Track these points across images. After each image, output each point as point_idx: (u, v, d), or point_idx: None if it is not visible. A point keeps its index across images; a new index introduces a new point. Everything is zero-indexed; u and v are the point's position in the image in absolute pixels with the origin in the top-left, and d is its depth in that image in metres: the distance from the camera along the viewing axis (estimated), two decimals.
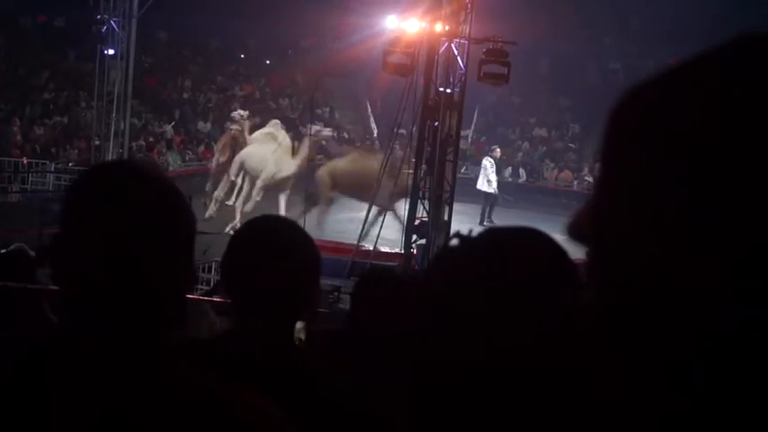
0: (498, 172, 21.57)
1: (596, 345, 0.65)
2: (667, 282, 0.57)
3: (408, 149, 14.86)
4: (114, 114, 19.64)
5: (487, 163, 20.37)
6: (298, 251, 2.11)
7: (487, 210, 19.95)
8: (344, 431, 2.01)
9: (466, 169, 22.20)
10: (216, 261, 12.15)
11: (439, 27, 13.78)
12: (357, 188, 16.08)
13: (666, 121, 0.59)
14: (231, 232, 4.07)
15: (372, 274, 3.77)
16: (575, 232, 0.66)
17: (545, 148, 28.83)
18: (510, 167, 24.48)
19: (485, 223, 18.99)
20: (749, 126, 0.55)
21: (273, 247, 2.08)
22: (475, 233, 1.09)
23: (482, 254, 1.04)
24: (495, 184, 20.12)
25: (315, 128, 17.68)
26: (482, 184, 20.12)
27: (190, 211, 1.40)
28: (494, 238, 1.09)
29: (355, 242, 14.29)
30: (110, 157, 18.31)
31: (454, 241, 1.07)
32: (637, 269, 0.59)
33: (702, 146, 0.56)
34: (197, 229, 1.41)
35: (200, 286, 8.91)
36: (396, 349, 1.93)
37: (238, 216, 15.71)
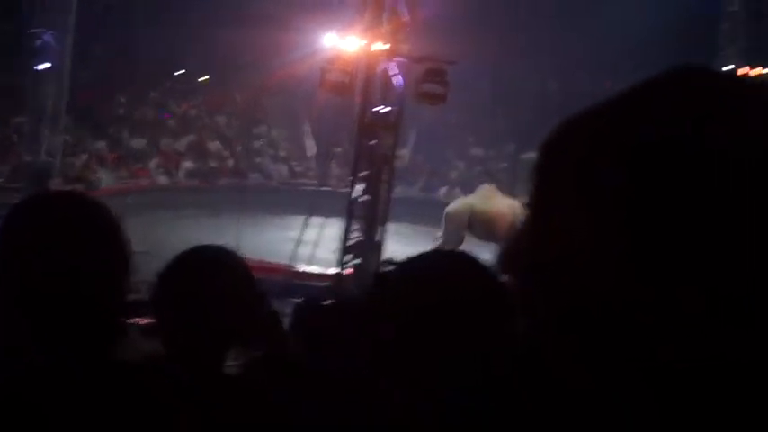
0: (432, 190, 21.72)
1: (534, 369, 0.65)
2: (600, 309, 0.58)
3: (345, 168, 14.85)
4: (47, 131, 19.33)
5: None
6: (229, 277, 2.10)
7: None
8: None
9: (402, 189, 22.22)
10: (144, 281, 11.96)
11: (378, 46, 13.79)
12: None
13: (590, 157, 0.61)
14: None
15: (310, 302, 3.77)
16: (506, 266, 0.67)
17: (480, 167, 29.06)
18: (446, 186, 24.58)
19: None
20: (658, 165, 0.57)
21: (205, 273, 2.08)
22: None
23: (417, 280, 1.07)
24: None
25: None
26: None
27: (122, 234, 1.51)
28: (426, 263, 1.12)
29: (287, 262, 14.23)
30: (42, 174, 17.98)
31: (388, 268, 1.12)
32: (575, 298, 0.60)
33: (619, 183, 0.58)
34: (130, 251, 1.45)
35: None
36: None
37: None
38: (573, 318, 0.59)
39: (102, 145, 24.36)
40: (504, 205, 14.43)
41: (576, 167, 0.61)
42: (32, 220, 1.34)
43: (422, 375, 0.99)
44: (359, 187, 13.80)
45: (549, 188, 0.64)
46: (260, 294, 2.22)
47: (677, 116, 0.60)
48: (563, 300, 0.60)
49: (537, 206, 0.65)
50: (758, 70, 25.89)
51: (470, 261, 1.09)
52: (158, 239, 15.24)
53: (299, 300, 4.58)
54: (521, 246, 0.65)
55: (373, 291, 1.11)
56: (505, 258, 0.67)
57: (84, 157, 22.56)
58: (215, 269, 2.09)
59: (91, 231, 1.36)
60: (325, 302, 3.38)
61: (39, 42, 18.76)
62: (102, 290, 1.35)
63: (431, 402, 1.04)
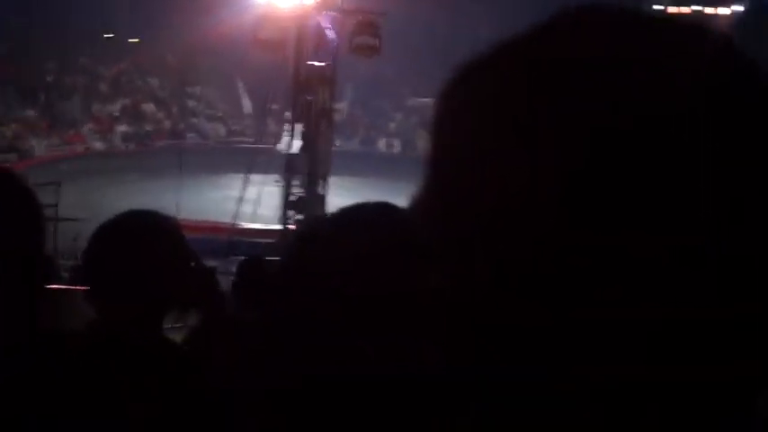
0: (371, 142, 21.90)
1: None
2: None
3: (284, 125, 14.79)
4: None
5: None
6: (159, 239, 2.08)
7: None
8: (206, 416, 2.00)
9: (341, 143, 22.21)
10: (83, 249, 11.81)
11: (309, 0, 13.66)
12: None
13: (486, 101, 0.61)
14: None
15: (251, 258, 3.78)
16: (415, 212, 0.66)
17: (418, 118, 29.11)
18: (384, 138, 24.62)
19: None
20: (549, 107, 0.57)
21: (133, 235, 2.05)
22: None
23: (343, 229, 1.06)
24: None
25: None
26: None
27: (32, 199, 1.41)
28: (351, 214, 1.11)
29: (230, 221, 14.15)
30: None
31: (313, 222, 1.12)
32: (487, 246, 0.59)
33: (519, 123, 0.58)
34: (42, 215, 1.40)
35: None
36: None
37: None
38: (507, 267, 0.59)
39: (31, 113, 23.89)
40: None
41: (495, 110, 0.61)
42: None
43: (356, 322, 1.00)
44: (297, 142, 13.74)
45: (463, 135, 0.63)
46: (193, 255, 2.20)
47: (597, 53, 0.59)
48: (496, 249, 0.59)
49: (451, 154, 0.64)
50: (686, 9, 26.28)
51: (394, 210, 1.10)
52: (96, 206, 15.04)
53: (243, 257, 4.59)
54: (437, 197, 0.64)
55: (302, 243, 1.11)
56: (422, 210, 0.66)
57: (15, 126, 22.11)
58: (145, 234, 2.03)
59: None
60: (265, 258, 3.40)
61: None
62: (16, 256, 1.29)
63: (374, 347, 1.05)
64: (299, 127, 13.72)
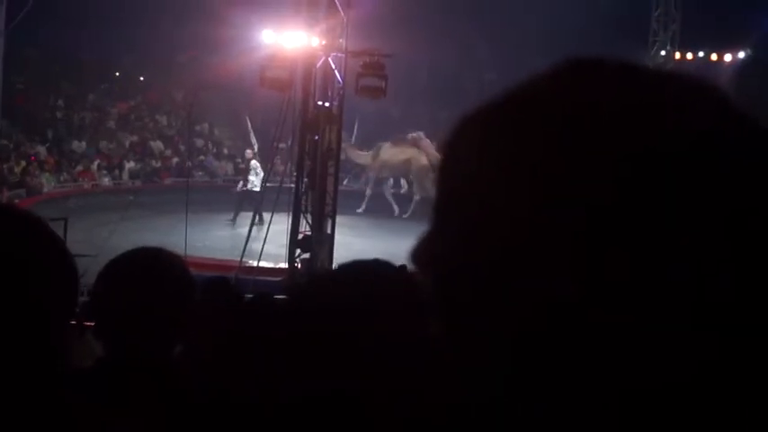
0: (378, 182, 22.23)
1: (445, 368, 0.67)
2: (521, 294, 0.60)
3: (289, 164, 14.85)
4: None
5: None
6: (169, 277, 2.12)
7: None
8: None
9: (348, 182, 22.30)
10: (89, 285, 11.83)
11: (316, 41, 13.80)
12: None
13: (493, 151, 0.64)
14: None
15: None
16: (417, 259, 0.68)
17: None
18: (391, 179, 24.64)
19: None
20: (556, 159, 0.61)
21: (139, 272, 2.09)
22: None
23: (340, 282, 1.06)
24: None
25: None
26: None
27: (54, 240, 1.37)
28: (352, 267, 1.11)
29: (237, 258, 14.15)
30: None
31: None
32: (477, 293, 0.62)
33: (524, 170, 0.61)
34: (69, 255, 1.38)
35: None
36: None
37: None
38: (516, 323, 0.60)
39: (41, 149, 24.03)
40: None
41: (503, 160, 0.63)
42: None
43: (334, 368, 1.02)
44: (304, 182, 13.82)
45: (457, 184, 0.65)
46: (199, 291, 2.25)
47: (569, 112, 0.62)
48: (503, 301, 0.61)
49: (445, 206, 0.66)
50: (689, 56, 26.39)
51: (393, 268, 1.13)
52: (103, 242, 15.08)
53: (250, 296, 4.62)
54: (436, 245, 0.66)
55: (299, 290, 1.14)
56: (421, 258, 0.68)
57: (24, 162, 22.23)
58: (151, 270, 2.10)
59: (36, 248, 1.30)
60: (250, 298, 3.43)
61: None
62: (52, 306, 1.29)
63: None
64: (306, 166, 13.78)
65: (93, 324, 2.20)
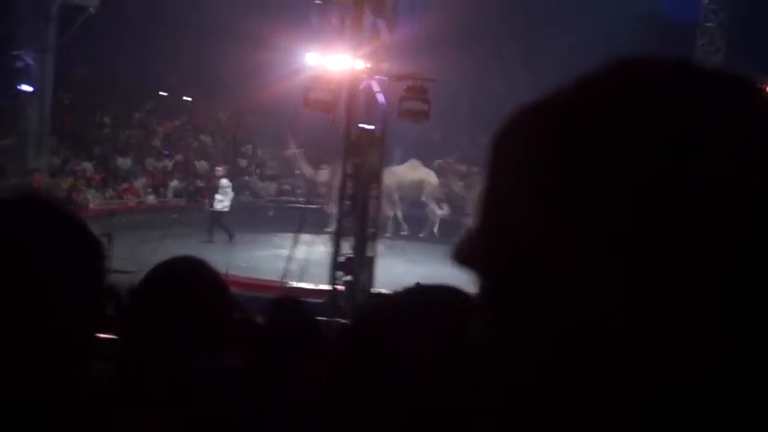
0: (419, 206, 22.25)
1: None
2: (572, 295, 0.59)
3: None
4: (32, 152, 19.35)
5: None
6: (196, 286, 2.12)
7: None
8: None
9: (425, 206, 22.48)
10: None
11: (360, 64, 13.89)
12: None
13: (545, 146, 0.63)
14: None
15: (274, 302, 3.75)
16: (463, 259, 0.67)
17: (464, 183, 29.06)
18: (446, 204, 24.64)
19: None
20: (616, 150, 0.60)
21: (171, 284, 2.10)
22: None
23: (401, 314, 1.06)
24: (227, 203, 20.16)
25: None
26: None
27: (95, 247, 1.38)
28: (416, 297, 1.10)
29: (279, 279, 14.21)
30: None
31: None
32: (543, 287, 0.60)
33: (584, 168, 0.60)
34: (106, 266, 1.39)
35: None
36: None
37: None
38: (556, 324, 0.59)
39: (88, 165, 24.34)
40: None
41: (525, 162, 0.62)
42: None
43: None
44: (347, 204, 13.87)
45: (502, 182, 0.65)
46: (231, 302, 2.23)
47: (624, 110, 0.61)
48: (542, 306, 0.60)
49: (492, 198, 0.65)
50: None
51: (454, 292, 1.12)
52: (146, 259, 15.18)
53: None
54: (479, 239, 0.65)
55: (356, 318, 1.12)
56: (463, 253, 0.67)
57: (71, 178, 22.54)
58: (181, 280, 2.11)
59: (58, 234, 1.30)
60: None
61: (20, 64, 18.79)
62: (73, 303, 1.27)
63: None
64: (348, 189, 13.81)
65: (123, 333, 2.19)
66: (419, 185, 22.81)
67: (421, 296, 1.09)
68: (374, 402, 1.01)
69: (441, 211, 23.54)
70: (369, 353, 1.04)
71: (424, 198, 22.86)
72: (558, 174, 0.60)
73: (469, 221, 19.25)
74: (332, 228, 15.56)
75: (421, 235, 22.82)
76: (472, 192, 23.66)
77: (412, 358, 1.02)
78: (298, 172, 25.03)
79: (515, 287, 0.61)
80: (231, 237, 18.82)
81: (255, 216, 21.96)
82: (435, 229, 22.85)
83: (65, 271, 1.28)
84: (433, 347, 1.00)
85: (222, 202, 19.77)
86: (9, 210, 1.34)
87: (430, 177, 22.89)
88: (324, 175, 22.33)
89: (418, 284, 1.19)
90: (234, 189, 20.48)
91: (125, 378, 2.02)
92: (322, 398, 1.08)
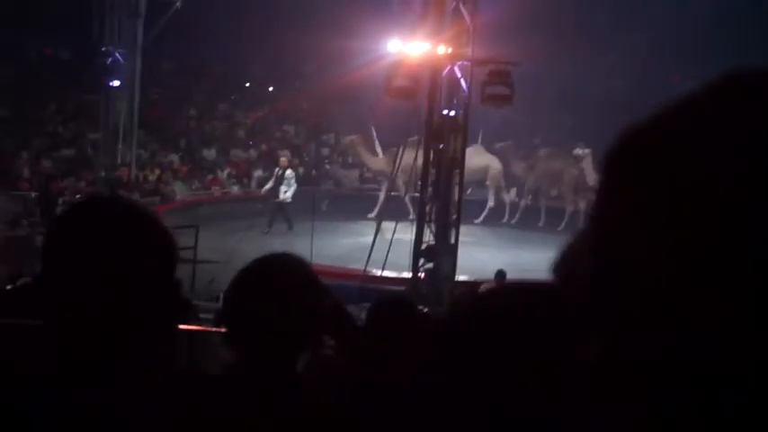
0: (500, 192, 22.20)
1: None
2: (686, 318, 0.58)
3: (413, 173, 14.89)
4: (120, 145, 19.80)
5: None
6: (297, 282, 2.13)
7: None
8: None
9: (471, 191, 22.25)
10: (221, 291, 12.13)
11: (442, 50, 13.81)
12: None
13: (666, 164, 0.62)
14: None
15: (386, 299, 3.78)
16: (568, 272, 0.67)
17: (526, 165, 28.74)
18: (515, 188, 24.43)
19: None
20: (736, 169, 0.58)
21: (273, 280, 2.11)
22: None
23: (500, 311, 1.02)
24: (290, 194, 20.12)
25: None
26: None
27: (165, 236, 1.40)
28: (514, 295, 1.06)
29: (361, 267, 14.24)
30: (114, 187, 18.42)
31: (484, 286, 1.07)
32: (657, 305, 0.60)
33: (705, 191, 0.59)
34: (177, 258, 1.42)
35: (207, 316, 8.89)
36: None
37: None
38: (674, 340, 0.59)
39: (174, 158, 24.80)
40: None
41: (638, 182, 0.62)
42: (77, 226, 1.35)
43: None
44: (429, 191, 13.83)
45: (614, 198, 0.64)
46: (326, 295, 2.26)
47: (744, 134, 0.59)
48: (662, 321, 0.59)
49: (602, 213, 0.65)
50: None
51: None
52: (231, 249, 15.45)
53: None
54: (584, 251, 0.65)
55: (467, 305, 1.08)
56: (566, 263, 0.67)
57: (158, 170, 22.99)
58: (282, 276, 2.12)
59: (136, 236, 1.34)
60: (401, 301, 3.41)
61: (109, 60, 19.25)
62: (151, 295, 1.32)
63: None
64: (430, 175, 13.78)
65: (224, 331, 2.23)
66: (483, 170, 22.69)
67: (522, 299, 1.03)
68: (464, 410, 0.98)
69: (509, 196, 23.40)
70: (462, 362, 1.00)
71: (488, 183, 22.73)
72: (667, 193, 0.60)
73: (548, 204, 19.29)
74: (411, 215, 15.62)
75: (504, 221, 22.72)
76: (534, 174, 23.56)
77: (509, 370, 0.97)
78: (350, 161, 25.14)
79: (624, 303, 0.61)
80: (290, 227, 18.93)
81: (336, 205, 22.10)
82: (509, 214, 22.80)
83: (144, 265, 1.33)
84: (533, 360, 0.96)
85: (286, 192, 19.89)
86: (89, 210, 1.40)
87: (494, 163, 22.72)
88: (380, 162, 22.41)
89: (501, 272, 1.15)
90: (297, 179, 20.59)
91: (230, 375, 2.05)
92: (415, 399, 1.05)
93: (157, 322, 1.37)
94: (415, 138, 17.31)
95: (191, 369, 2.29)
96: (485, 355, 0.97)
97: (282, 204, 19.64)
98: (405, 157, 21.05)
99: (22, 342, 4.69)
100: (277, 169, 20.67)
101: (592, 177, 21.76)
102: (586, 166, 22.31)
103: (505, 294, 1.05)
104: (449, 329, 1.05)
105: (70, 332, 1.30)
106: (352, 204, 21.86)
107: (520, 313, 0.99)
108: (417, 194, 14.46)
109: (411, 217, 15.06)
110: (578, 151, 22.96)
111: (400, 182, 17.31)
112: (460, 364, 0.99)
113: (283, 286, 2.10)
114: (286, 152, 22.82)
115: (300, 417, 1.96)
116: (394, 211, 15.86)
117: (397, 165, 14.81)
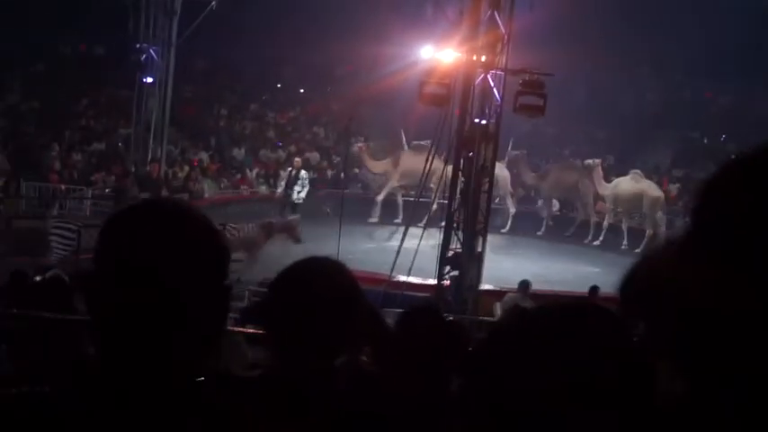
0: (529, 201, 22.15)
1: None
2: None
3: (443, 180, 14.85)
4: (151, 142, 19.91)
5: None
6: (336, 286, 2.14)
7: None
8: None
9: (499, 200, 22.20)
10: (249, 290, 12.16)
11: (475, 58, 13.78)
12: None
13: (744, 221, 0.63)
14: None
15: (418, 306, 3.78)
16: (636, 296, 0.66)
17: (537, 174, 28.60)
18: (541, 200, 24.35)
19: None
20: None
21: (313, 283, 2.12)
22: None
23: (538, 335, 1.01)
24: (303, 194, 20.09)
25: None
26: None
27: (219, 243, 1.41)
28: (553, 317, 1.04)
29: (387, 272, 14.21)
30: (144, 183, 18.54)
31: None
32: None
33: None
34: (228, 264, 1.42)
35: (233, 315, 8.90)
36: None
37: None
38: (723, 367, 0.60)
39: (204, 155, 24.90)
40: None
41: (729, 227, 0.62)
42: (129, 229, 1.36)
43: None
44: (457, 198, 13.81)
45: (707, 236, 0.64)
46: (364, 301, 2.26)
47: None
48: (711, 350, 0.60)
49: (691, 251, 0.65)
50: None
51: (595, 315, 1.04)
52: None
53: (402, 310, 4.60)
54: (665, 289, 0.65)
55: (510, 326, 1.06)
56: (637, 285, 0.66)
57: (188, 167, 23.10)
58: (322, 280, 2.12)
59: (188, 241, 1.35)
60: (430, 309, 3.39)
61: (143, 57, 19.38)
62: (200, 302, 1.32)
63: None
64: (459, 183, 13.75)
65: (254, 331, 2.24)
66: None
67: (564, 320, 1.01)
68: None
69: (553, 209, 23.39)
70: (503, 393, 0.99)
71: (500, 192, 22.61)
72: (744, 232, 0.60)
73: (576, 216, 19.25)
74: (423, 222, 15.56)
75: (539, 233, 22.56)
76: (546, 183, 23.40)
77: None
78: (356, 170, 25.14)
79: (695, 333, 0.61)
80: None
81: (364, 208, 22.09)
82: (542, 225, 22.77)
83: (195, 273, 1.33)
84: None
85: (300, 192, 19.97)
86: (144, 212, 1.40)
87: (502, 171, 22.51)
88: (380, 165, 22.48)
89: (525, 281, 1.13)
90: (309, 180, 20.70)
91: (275, 382, 2.05)
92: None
93: (206, 326, 1.36)
94: (423, 142, 17.34)
95: (224, 370, 2.29)
96: (537, 371, 0.96)
97: (294, 204, 19.78)
98: (406, 160, 21.32)
99: (55, 335, 4.74)
100: (290, 170, 20.76)
101: (602, 187, 22.14)
102: (596, 176, 22.37)
103: (560, 314, 1.03)
104: (504, 342, 1.04)
105: (119, 332, 1.31)
106: (380, 208, 21.86)
107: (575, 333, 0.97)
108: (445, 201, 14.41)
109: (441, 224, 15.04)
110: (589, 161, 23.05)
111: (433, 185, 17.34)
112: (514, 378, 0.99)
113: (324, 290, 2.10)
114: (316, 154, 22.79)
115: (334, 420, 1.97)
116: (422, 218, 15.84)
117: (426, 169, 14.74)
